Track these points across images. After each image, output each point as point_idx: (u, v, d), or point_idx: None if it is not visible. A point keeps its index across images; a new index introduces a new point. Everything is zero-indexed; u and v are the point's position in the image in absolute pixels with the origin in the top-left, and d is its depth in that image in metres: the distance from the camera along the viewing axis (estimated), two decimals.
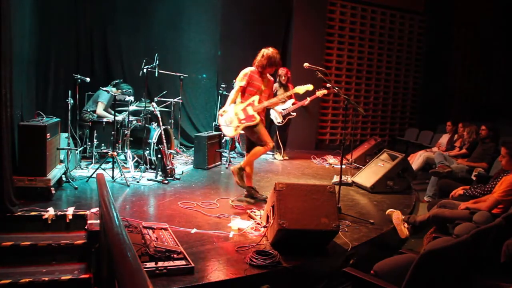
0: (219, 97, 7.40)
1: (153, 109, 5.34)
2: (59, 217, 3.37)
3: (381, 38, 9.29)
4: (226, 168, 6.21)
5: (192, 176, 5.57)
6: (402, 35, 9.56)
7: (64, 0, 6.39)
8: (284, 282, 2.92)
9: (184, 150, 7.35)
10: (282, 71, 7.13)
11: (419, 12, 9.66)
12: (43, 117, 4.21)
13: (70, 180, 4.59)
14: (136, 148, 5.57)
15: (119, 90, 5.72)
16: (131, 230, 3.28)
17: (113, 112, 5.72)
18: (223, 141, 6.62)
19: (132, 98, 5.53)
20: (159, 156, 5.18)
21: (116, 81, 5.92)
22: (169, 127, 6.07)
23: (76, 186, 4.47)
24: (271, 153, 7.55)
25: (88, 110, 5.83)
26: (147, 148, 5.39)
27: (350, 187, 5.55)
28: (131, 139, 5.50)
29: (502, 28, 8.45)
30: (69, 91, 4.89)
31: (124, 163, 5.52)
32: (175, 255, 2.79)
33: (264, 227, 3.51)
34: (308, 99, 6.87)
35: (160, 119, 5.33)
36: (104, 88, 5.55)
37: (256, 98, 4.46)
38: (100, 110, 5.79)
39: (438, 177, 5.35)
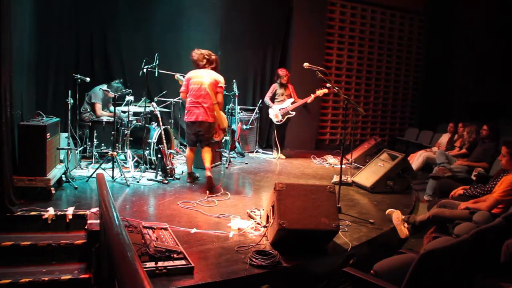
0: None
1: (153, 109, 5.34)
2: (59, 217, 3.38)
3: (381, 38, 9.29)
4: (226, 168, 6.21)
5: None
6: (402, 35, 9.56)
7: (64, 0, 6.40)
8: (284, 282, 2.92)
9: (184, 150, 7.35)
10: (282, 72, 7.14)
11: (419, 12, 9.66)
12: (43, 117, 4.21)
13: (70, 180, 4.59)
14: (136, 148, 5.57)
15: (112, 88, 5.79)
16: (131, 230, 3.28)
17: (111, 109, 5.79)
18: (223, 141, 6.62)
19: (132, 98, 5.53)
20: (159, 156, 5.18)
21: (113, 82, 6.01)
22: (169, 127, 6.08)
23: (76, 186, 4.47)
24: (270, 152, 7.56)
25: (88, 110, 5.83)
26: (147, 148, 5.39)
27: (350, 187, 5.54)
28: (131, 139, 5.50)
29: (502, 27, 8.44)
30: (69, 91, 4.89)
31: (124, 163, 5.52)
32: (175, 255, 2.79)
33: (264, 227, 3.51)
34: (312, 95, 6.90)
35: (160, 119, 5.33)
36: (102, 88, 5.60)
37: None
38: (99, 111, 5.86)
39: (437, 180, 5.33)
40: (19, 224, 3.31)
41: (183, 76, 5.19)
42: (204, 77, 4.88)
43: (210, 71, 4.95)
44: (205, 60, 4.97)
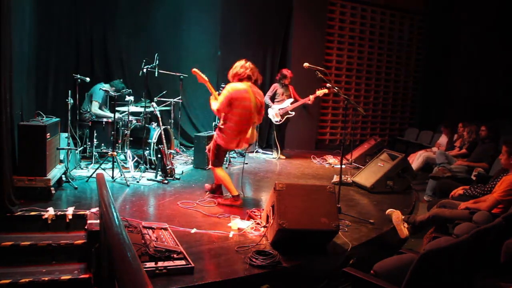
0: None
1: (153, 109, 5.34)
2: (59, 217, 3.38)
3: (381, 38, 9.29)
4: (226, 168, 6.20)
5: (192, 176, 5.57)
6: (402, 35, 9.56)
7: (64, 0, 6.40)
8: (284, 282, 2.92)
9: (184, 150, 7.35)
10: (288, 72, 7.13)
11: (419, 12, 9.66)
12: (43, 117, 4.21)
13: (70, 180, 4.59)
14: (136, 148, 5.57)
15: (113, 87, 5.78)
16: (131, 230, 3.28)
17: (108, 110, 5.77)
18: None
19: (132, 98, 5.54)
20: (159, 156, 5.18)
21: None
22: (169, 127, 6.08)
23: (76, 186, 4.47)
24: (270, 152, 7.56)
25: (87, 110, 5.83)
26: (147, 148, 5.39)
27: (350, 187, 5.54)
28: (131, 139, 5.50)
29: (502, 27, 8.44)
30: (69, 91, 4.89)
31: (124, 163, 5.52)
32: (175, 255, 2.79)
33: (264, 227, 3.51)
34: (311, 97, 6.91)
35: (160, 119, 5.33)
36: (102, 87, 5.60)
37: None
38: (95, 108, 5.79)
39: (437, 180, 5.33)
40: (19, 224, 3.31)
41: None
42: (252, 99, 4.16)
43: (254, 88, 4.27)
44: (249, 72, 4.24)
